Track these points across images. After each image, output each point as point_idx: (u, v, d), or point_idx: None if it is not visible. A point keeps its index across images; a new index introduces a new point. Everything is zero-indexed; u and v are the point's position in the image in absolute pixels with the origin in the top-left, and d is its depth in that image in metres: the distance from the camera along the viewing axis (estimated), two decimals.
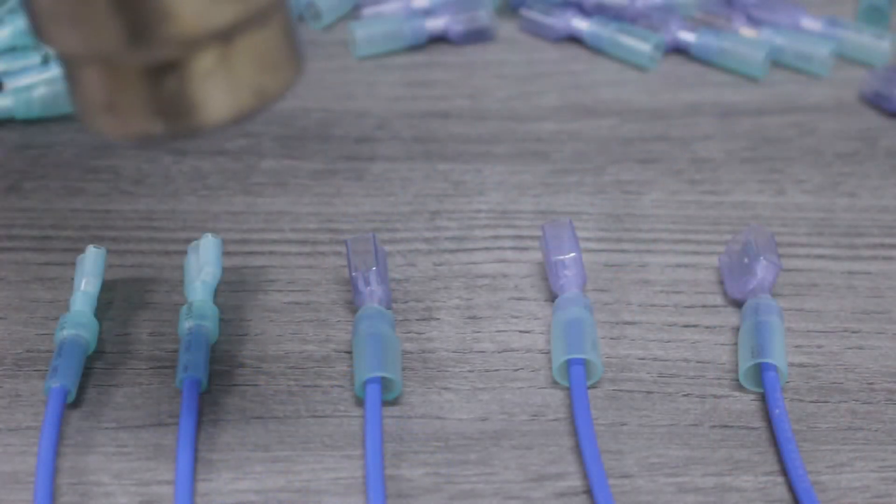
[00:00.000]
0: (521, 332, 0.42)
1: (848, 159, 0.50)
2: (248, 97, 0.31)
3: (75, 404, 0.39)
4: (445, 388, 0.40)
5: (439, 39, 0.56)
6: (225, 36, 0.30)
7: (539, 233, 0.45)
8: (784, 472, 0.37)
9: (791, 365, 0.41)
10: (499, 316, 0.42)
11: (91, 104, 0.31)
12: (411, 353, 0.41)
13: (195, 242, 0.43)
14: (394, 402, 0.39)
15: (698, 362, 0.41)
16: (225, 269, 0.43)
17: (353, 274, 0.41)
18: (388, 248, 0.45)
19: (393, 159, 0.49)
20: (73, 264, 0.43)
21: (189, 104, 0.30)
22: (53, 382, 0.38)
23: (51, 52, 0.30)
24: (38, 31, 0.30)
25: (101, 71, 0.30)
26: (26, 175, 0.48)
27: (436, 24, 0.56)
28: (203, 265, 0.42)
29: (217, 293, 0.42)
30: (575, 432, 0.38)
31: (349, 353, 0.41)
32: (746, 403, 0.39)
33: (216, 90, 0.30)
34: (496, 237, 0.46)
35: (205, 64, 0.30)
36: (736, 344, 0.41)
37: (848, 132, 0.51)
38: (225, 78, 0.30)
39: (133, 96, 0.30)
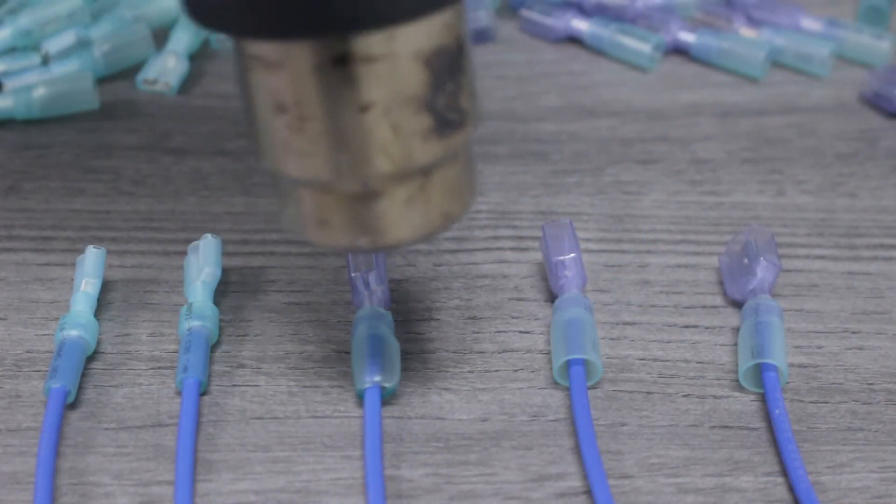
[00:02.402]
0: (521, 332, 0.42)
1: (848, 160, 0.50)
2: (438, 221, 0.35)
3: (75, 405, 0.39)
4: (445, 389, 0.40)
5: None
6: (426, 172, 0.34)
7: (539, 233, 0.45)
8: (784, 472, 0.37)
9: (791, 365, 0.41)
10: (499, 316, 0.42)
11: (305, 219, 0.35)
12: (411, 353, 0.41)
13: (195, 243, 0.43)
14: (394, 403, 0.39)
15: (698, 363, 0.41)
16: (225, 270, 0.43)
17: (353, 275, 0.41)
18: None
19: None
20: (73, 264, 0.43)
21: (390, 225, 0.35)
22: (53, 383, 0.38)
23: (268, 170, 0.35)
24: (263, 154, 0.34)
25: (317, 193, 0.34)
26: (26, 175, 0.48)
27: None
28: (203, 265, 0.42)
29: (217, 293, 0.42)
30: (575, 433, 0.38)
31: (349, 353, 0.41)
32: (746, 404, 0.39)
33: (413, 214, 0.35)
34: (496, 237, 0.46)
35: (406, 193, 0.34)
36: (736, 344, 0.41)
37: (848, 132, 0.51)
38: (422, 205, 0.34)
39: (343, 216, 0.35)
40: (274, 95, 0.33)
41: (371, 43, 0.32)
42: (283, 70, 0.32)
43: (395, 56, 0.32)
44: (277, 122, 0.33)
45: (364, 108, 0.32)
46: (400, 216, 0.34)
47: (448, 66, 0.33)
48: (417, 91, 0.33)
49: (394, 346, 0.39)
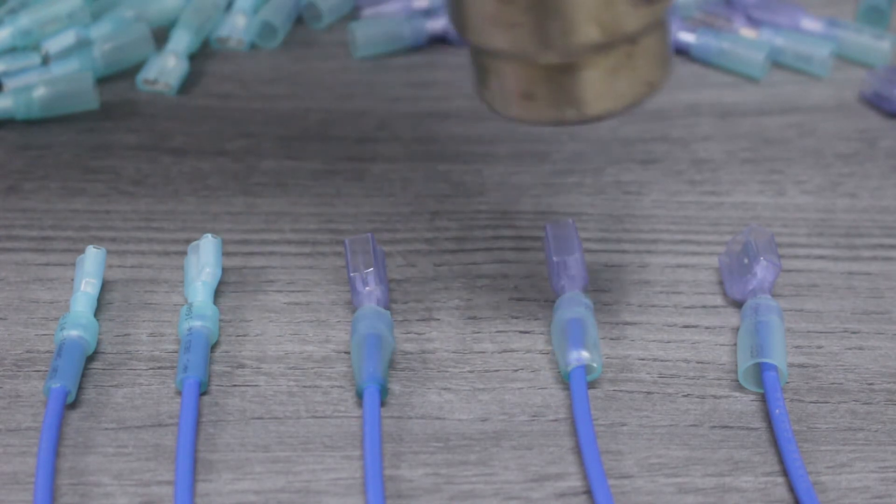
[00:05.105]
0: (521, 332, 0.42)
1: (848, 160, 0.50)
2: (642, 89, 0.36)
3: (75, 405, 0.39)
4: (445, 389, 0.40)
5: (439, 40, 0.56)
6: (632, 40, 0.34)
7: (539, 233, 0.45)
8: (784, 472, 0.37)
9: (791, 365, 0.41)
10: (499, 316, 0.42)
11: (510, 93, 0.36)
12: (411, 353, 0.41)
13: (195, 242, 0.43)
14: (394, 403, 0.39)
15: (698, 363, 0.41)
16: (225, 269, 0.43)
17: (352, 275, 0.41)
18: (387, 248, 0.45)
19: (393, 160, 0.49)
20: (73, 264, 0.43)
21: (597, 96, 0.35)
22: (53, 383, 0.38)
23: (470, 43, 0.35)
24: (466, 28, 0.35)
25: (523, 66, 0.35)
26: (26, 175, 0.48)
27: (436, 24, 0.56)
28: (203, 265, 0.42)
29: (217, 293, 0.42)
30: (575, 433, 0.38)
31: (349, 353, 0.41)
32: (746, 404, 0.39)
33: (620, 84, 0.35)
34: (496, 237, 0.46)
35: (613, 62, 0.35)
36: (736, 344, 0.41)
37: (848, 132, 0.51)
38: (628, 74, 0.35)
39: (550, 88, 0.35)
40: None
41: None
42: None
43: None
44: None
45: None
46: (606, 86, 0.35)
47: None
48: None
49: (389, 346, 0.40)
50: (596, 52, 0.34)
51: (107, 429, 0.38)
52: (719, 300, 0.43)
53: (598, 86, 0.35)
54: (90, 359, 0.40)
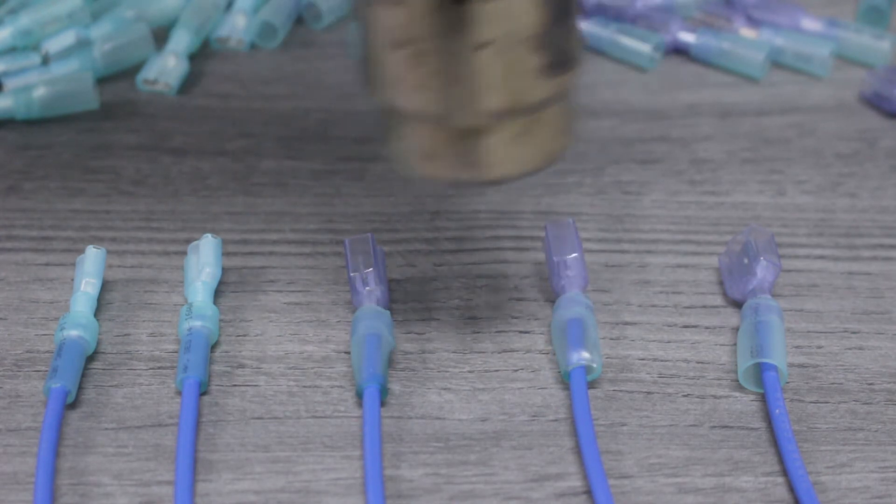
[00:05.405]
0: (521, 332, 0.42)
1: (848, 160, 0.50)
2: (540, 160, 0.37)
3: (75, 405, 0.39)
4: (445, 389, 0.40)
5: None
6: (534, 110, 0.35)
7: (539, 233, 0.45)
8: (784, 472, 0.37)
9: (791, 365, 0.41)
10: (499, 316, 0.42)
11: (413, 152, 0.37)
12: (411, 353, 0.41)
13: (195, 242, 0.43)
14: (394, 403, 0.39)
15: (698, 362, 0.41)
16: (225, 269, 0.43)
17: (352, 275, 0.41)
18: (387, 248, 0.45)
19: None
20: (73, 264, 0.43)
21: (496, 162, 0.36)
22: (53, 383, 0.38)
23: (381, 106, 0.37)
24: (376, 89, 0.36)
25: (427, 128, 0.36)
26: (26, 175, 0.48)
27: None
28: (203, 265, 0.42)
29: (217, 293, 0.42)
30: (575, 433, 0.38)
31: (349, 353, 0.41)
32: (746, 404, 0.39)
33: (519, 151, 0.36)
34: (496, 237, 0.46)
35: (514, 130, 0.36)
36: (736, 344, 0.41)
37: (848, 132, 0.51)
38: (527, 143, 0.36)
39: (451, 150, 0.36)
40: (394, 31, 0.34)
41: None
42: (405, 7, 0.34)
43: None
44: (394, 57, 0.35)
45: (480, 46, 0.34)
46: (506, 153, 0.36)
47: (561, 7, 0.34)
48: (532, 31, 0.34)
49: (389, 346, 0.40)
50: (498, 120, 0.35)
51: (107, 429, 0.38)
52: (719, 300, 0.43)
53: (499, 152, 0.36)
54: (90, 359, 0.40)
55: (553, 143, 0.37)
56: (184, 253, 0.44)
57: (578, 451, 0.38)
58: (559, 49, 0.35)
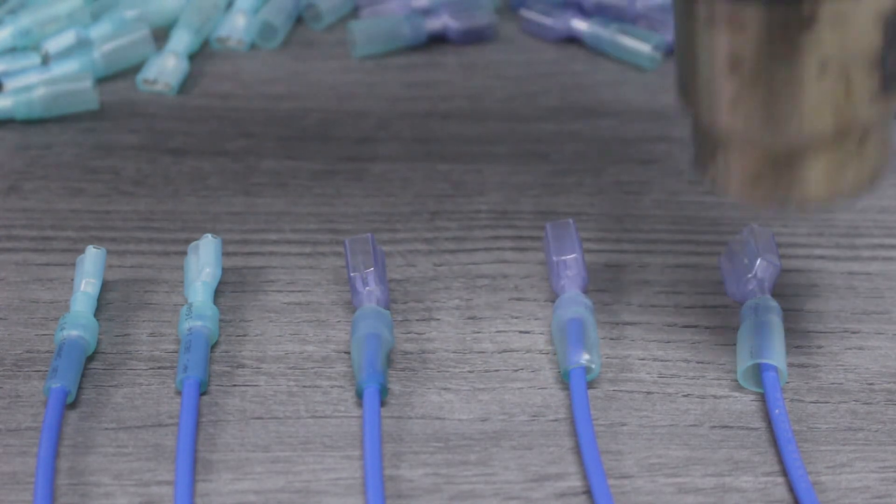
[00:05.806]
0: (521, 332, 0.42)
1: None
2: (866, 180, 0.36)
3: (75, 405, 0.39)
4: (445, 389, 0.40)
5: (439, 39, 0.56)
6: (865, 130, 0.35)
7: (539, 233, 0.45)
8: (784, 472, 0.37)
9: (791, 365, 0.41)
10: (499, 316, 0.42)
11: (735, 175, 0.36)
12: (411, 353, 0.41)
13: (195, 243, 0.43)
14: (394, 402, 0.39)
15: (698, 362, 0.41)
16: (225, 270, 0.43)
17: (352, 275, 0.41)
18: (387, 248, 0.45)
19: (393, 160, 0.49)
20: (73, 264, 0.43)
21: (824, 183, 0.36)
22: (53, 383, 0.38)
23: (697, 129, 0.36)
24: (704, 110, 0.35)
25: (752, 150, 0.35)
26: (26, 175, 0.48)
27: (435, 23, 0.56)
28: (203, 265, 0.42)
29: (217, 293, 0.42)
30: (575, 433, 0.38)
31: (349, 353, 0.41)
32: (746, 404, 0.39)
33: (848, 173, 0.35)
34: (496, 237, 0.46)
35: (844, 151, 0.35)
36: (736, 344, 0.41)
37: None
38: (856, 164, 0.35)
39: (778, 173, 0.35)
40: (731, 54, 0.34)
41: (840, 5, 0.33)
42: (747, 30, 0.33)
43: (858, 17, 0.33)
44: (729, 80, 0.34)
45: (821, 67, 0.33)
46: (836, 174, 0.35)
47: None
48: (872, 51, 0.34)
49: (389, 346, 0.40)
50: (830, 140, 0.35)
51: (107, 429, 0.38)
52: (719, 300, 0.43)
53: (828, 174, 0.35)
54: (90, 359, 0.40)
55: (877, 165, 0.36)
56: (184, 253, 0.44)
57: (578, 451, 0.38)
58: (891, 70, 0.34)
